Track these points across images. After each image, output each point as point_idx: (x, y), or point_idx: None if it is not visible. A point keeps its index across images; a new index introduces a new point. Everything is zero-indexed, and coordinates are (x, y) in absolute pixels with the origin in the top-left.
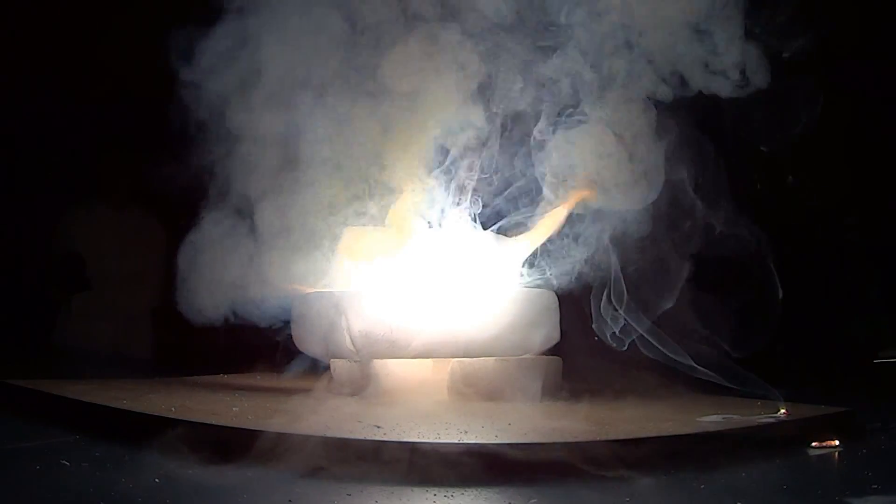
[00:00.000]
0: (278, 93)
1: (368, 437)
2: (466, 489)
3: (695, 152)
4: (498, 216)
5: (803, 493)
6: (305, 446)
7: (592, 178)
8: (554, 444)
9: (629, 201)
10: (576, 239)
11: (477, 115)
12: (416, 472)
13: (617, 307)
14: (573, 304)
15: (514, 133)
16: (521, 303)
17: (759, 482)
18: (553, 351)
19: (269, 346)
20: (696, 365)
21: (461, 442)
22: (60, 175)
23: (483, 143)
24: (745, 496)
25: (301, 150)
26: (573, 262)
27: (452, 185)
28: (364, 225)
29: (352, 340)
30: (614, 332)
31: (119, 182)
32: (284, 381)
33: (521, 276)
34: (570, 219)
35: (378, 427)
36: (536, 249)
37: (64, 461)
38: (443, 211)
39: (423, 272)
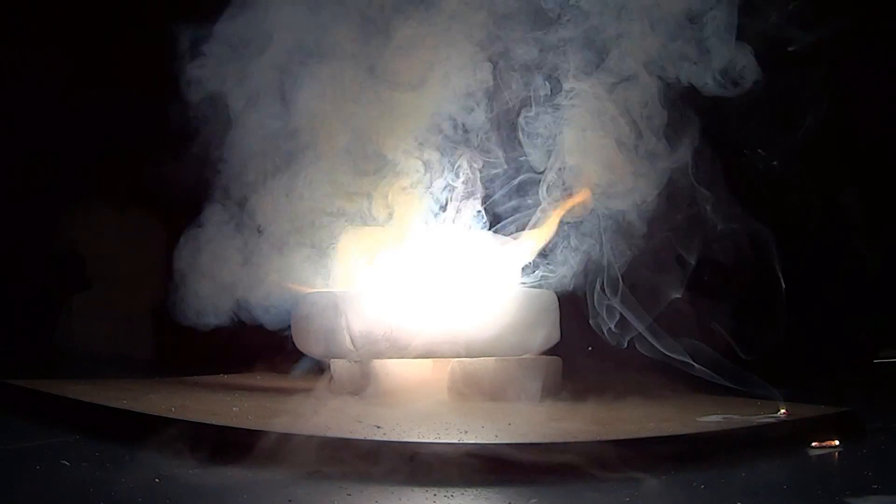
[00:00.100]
0: (278, 92)
1: (368, 437)
2: (466, 489)
3: (696, 152)
4: (498, 216)
5: (803, 493)
6: (306, 446)
7: (593, 177)
8: (554, 444)
9: (630, 197)
10: (576, 238)
11: (477, 115)
12: (416, 472)
13: (611, 299)
14: (573, 304)
15: (514, 133)
16: (521, 303)
17: (759, 482)
18: (553, 351)
19: (269, 347)
20: (694, 363)
21: (461, 442)
22: (61, 175)
23: (483, 143)
24: (745, 496)
25: (301, 149)
26: (573, 260)
27: (453, 186)
28: (364, 225)
29: (352, 340)
30: (610, 328)
31: (119, 182)
32: (284, 381)
33: (522, 276)
34: (571, 218)
35: (378, 427)
36: (537, 250)
37: (64, 461)
38: (443, 211)
39: (423, 272)
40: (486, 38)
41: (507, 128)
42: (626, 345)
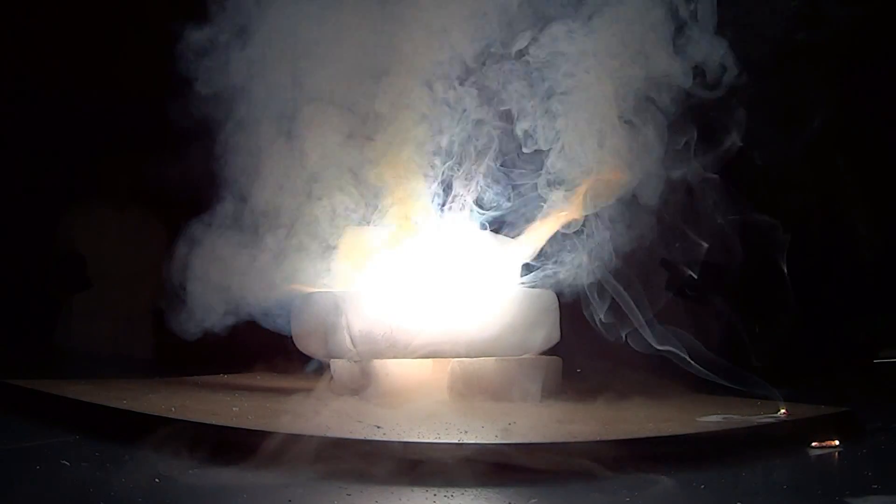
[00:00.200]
0: (277, 92)
1: (368, 437)
2: (466, 489)
3: (697, 152)
4: (499, 216)
5: (803, 493)
6: (306, 446)
7: (595, 177)
8: (554, 444)
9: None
10: (577, 237)
11: (478, 114)
12: (416, 472)
13: (611, 293)
14: (573, 304)
15: (515, 132)
16: (521, 303)
17: (759, 482)
18: (553, 351)
19: (269, 347)
20: (690, 360)
21: (461, 442)
22: (61, 175)
23: (484, 143)
24: (745, 496)
25: (300, 149)
26: (574, 260)
27: (453, 185)
28: (364, 225)
29: (352, 340)
30: (601, 319)
31: (120, 181)
32: (284, 381)
33: (522, 276)
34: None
35: (378, 427)
36: (537, 250)
37: (64, 461)
38: (443, 211)
39: (423, 272)
40: (486, 36)
41: (508, 127)
42: (623, 338)
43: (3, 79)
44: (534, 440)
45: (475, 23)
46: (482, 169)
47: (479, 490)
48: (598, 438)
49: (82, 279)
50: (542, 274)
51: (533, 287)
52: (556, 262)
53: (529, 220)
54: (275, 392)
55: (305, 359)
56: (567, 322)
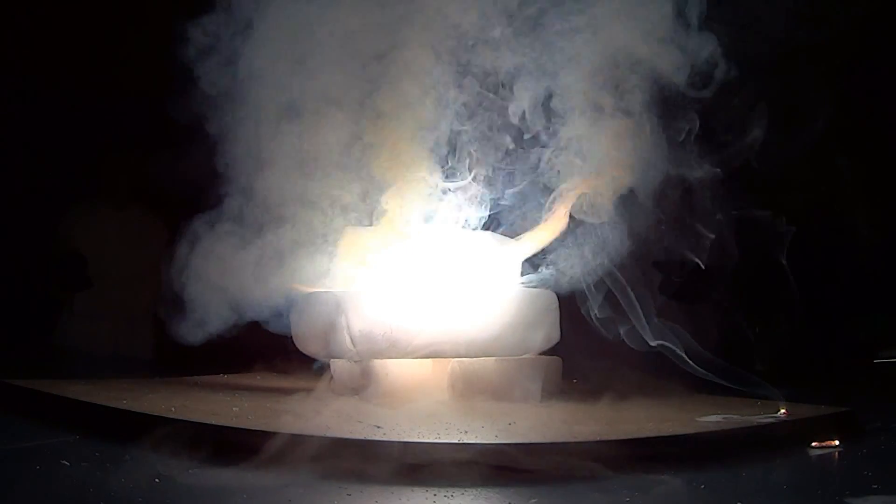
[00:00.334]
0: (277, 92)
1: (368, 437)
2: (466, 489)
3: (697, 153)
4: (499, 216)
5: (803, 493)
6: (306, 446)
7: (597, 175)
8: (554, 444)
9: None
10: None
11: (478, 113)
12: (415, 472)
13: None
14: (573, 304)
15: (516, 132)
16: (521, 303)
17: (759, 482)
18: (553, 351)
19: (269, 347)
20: (689, 360)
21: (461, 442)
22: (61, 174)
23: (484, 142)
24: (745, 496)
25: (300, 148)
26: (574, 259)
27: (453, 185)
28: (364, 224)
29: (352, 340)
30: (596, 314)
31: (120, 180)
32: (284, 381)
33: (522, 276)
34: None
35: (378, 427)
36: (538, 250)
37: (64, 461)
38: (443, 211)
39: (423, 272)
40: (487, 35)
41: (509, 126)
42: (620, 335)
43: (3, 79)
44: (534, 440)
45: (476, 21)
46: (483, 168)
47: (479, 490)
48: (599, 438)
49: (83, 279)
50: (544, 272)
51: (535, 286)
52: (557, 259)
53: (530, 219)
54: (275, 392)
55: (305, 359)
56: (567, 322)
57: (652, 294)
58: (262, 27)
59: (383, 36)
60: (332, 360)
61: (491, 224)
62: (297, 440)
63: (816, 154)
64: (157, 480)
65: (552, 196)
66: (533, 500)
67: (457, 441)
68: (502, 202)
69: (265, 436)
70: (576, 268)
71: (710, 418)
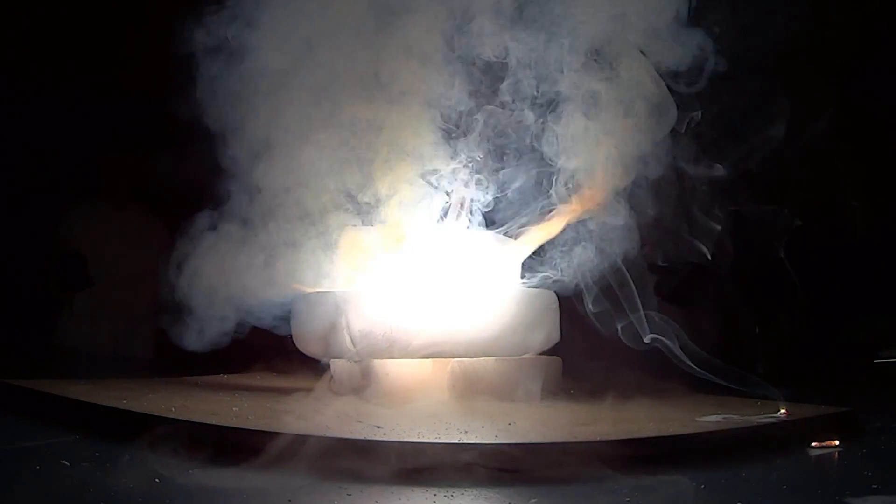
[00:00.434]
0: (277, 91)
1: (368, 437)
2: (466, 489)
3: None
4: (499, 216)
5: (803, 493)
6: (306, 446)
7: (596, 175)
8: (554, 444)
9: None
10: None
11: (479, 113)
12: (416, 472)
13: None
14: (573, 304)
15: (516, 132)
16: (522, 303)
17: (759, 482)
18: (553, 351)
19: (269, 347)
20: (688, 359)
21: (461, 442)
22: (61, 174)
23: (485, 141)
24: (745, 496)
25: (300, 148)
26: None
27: (453, 185)
28: (364, 225)
29: (352, 340)
30: (589, 307)
31: (121, 180)
32: (284, 381)
33: (522, 277)
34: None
35: (378, 427)
36: (538, 250)
37: (64, 461)
38: (443, 211)
39: (423, 272)
40: (489, 36)
41: (510, 126)
42: (617, 331)
43: (3, 79)
44: (534, 440)
45: (475, 20)
46: (483, 167)
47: (479, 490)
48: (599, 438)
49: (83, 278)
50: (547, 270)
51: (539, 287)
52: (557, 257)
53: (531, 219)
54: (275, 392)
55: (305, 359)
56: (567, 322)
57: (651, 291)
58: (261, 25)
59: (383, 34)
60: (332, 360)
61: (491, 223)
62: (297, 440)
63: (816, 154)
64: (157, 480)
65: (552, 196)
66: (533, 500)
67: (457, 441)
68: (503, 202)
69: (265, 436)
70: (576, 264)
71: (710, 418)
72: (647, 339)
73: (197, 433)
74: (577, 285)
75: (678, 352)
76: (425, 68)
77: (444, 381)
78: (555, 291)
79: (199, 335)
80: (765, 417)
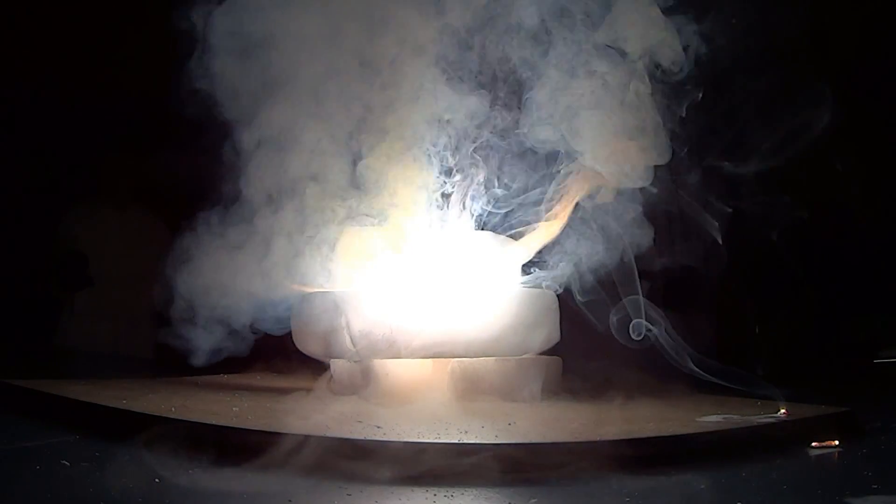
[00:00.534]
0: (277, 91)
1: (368, 437)
2: (466, 489)
3: (697, 153)
4: (499, 217)
5: (803, 493)
6: (305, 446)
7: (596, 175)
8: (554, 443)
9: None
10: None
11: (478, 113)
12: (416, 472)
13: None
14: (573, 304)
15: (516, 131)
16: (522, 303)
17: (759, 482)
18: (553, 351)
19: (269, 347)
20: (687, 359)
21: (461, 442)
22: (62, 173)
23: (485, 140)
24: (745, 496)
25: (300, 147)
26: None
27: (454, 185)
28: (364, 225)
29: (352, 340)
30: (579, 299)
31: (121, 180)
32: (284, 381)
33: (522, 277)
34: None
35: (378, 427)
36: (538, 250)
37: (64, 461)
38: (443, 211)
39: (423, 272)
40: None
41: (510, 125)
42: (610, 324)
43: (3, 78)
44: (534, 440)
45: (476, 18)
46: (483, 167)
47: (479, 490)
48: (599, 438)
49: (83, 278)
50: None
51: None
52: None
53: (531, 218)
54: (275, 392)
55: (305, 359)
56: (567, 322)
57: (651, 290)
58: (260, 27)
59: (383, 34)
60: (332, 360)
61: (491, 223)
62: (296, 440)
63: (817, 154)
64: (157, 481)
65: (553, 195)
66: (533, 500)
67: (457, 441)
68: (503, 202)
69: (265, 436)
70: (574, 258)
71: (710, 418)
72: (637, 336)
73: (197, 433)
74: (570, 276)
75: (678, 352)
76: (426, 67)
77: (444, 381)
78: (554, 291)
79: (203, 354)
80: (765, 417)
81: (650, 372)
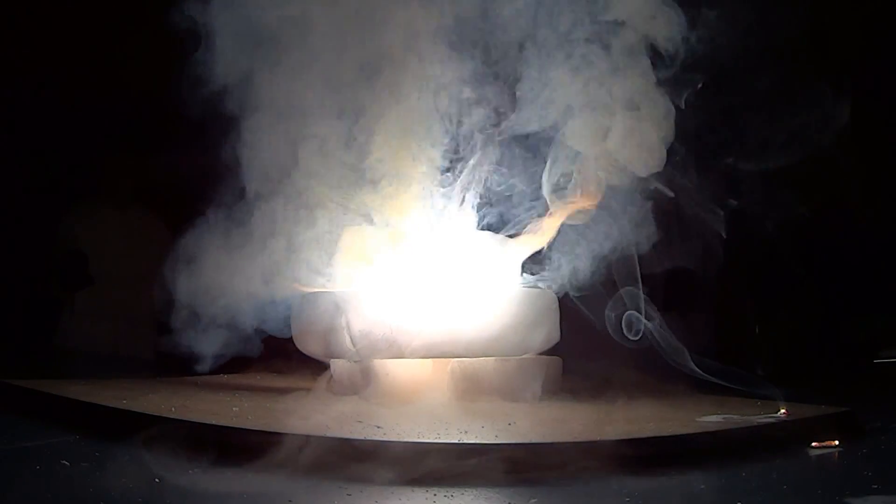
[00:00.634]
0: (276, 90)
1: (368, 437)
2: (466, 489)
3: (698, 153)
4: (499, 217)
5: (803, 493)
6: (305, 446)
7: (596, 175)
8: (554, 443)
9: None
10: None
11: (478, 114)
12: (416, 472)
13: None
14: (573, 304)
15: (516, 132)
16: (521, 303)
17: (759, 482)
18: (553, 351)
19: (268, 347)
20: (688, 360)
21: (461, 442)
22: (62, 173)
23: (485, 142)
24: (745, 496)
25: (300, 148)
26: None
27: (453, 185)
28: (363, 225)
29: (352, 340)
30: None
31: (121, 179)
32: (284, 381)
33: (522, 277)
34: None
35: (378, 427)
36: (538, 250)
37: (64, 461)
38: (444, 211)
39: (423, 272)
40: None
41: (510, 124)
42: (607, 321)
43: (3, 78)
44: (534, 440)
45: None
46: (483, 167)
47: (479, 490)
48: (599, 438)
49: (84, 277)
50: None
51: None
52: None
53: (531, 218)
54: (275, 392)
55: (305, 359)
56: (567, 322)
57: (651, 289)
58: (259, 25)
59: (382, 33)
60: (332, 360)
61: (490, 223)
62: (296, 440)
63: (818, 153)
64: (157, 480)
65: (552, 195)
66: (533, 500)
67: (457, 441)
68: (502, 201)
69: (265, 436)
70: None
71: (710, 418)
72: (634, 335)
73: (197, 433)
74: (570, 275)
75: (675, 349)
76: (427, 66)
77: (444, 381)
78: (553, 291)
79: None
80: (765, 417)
81: (650, 372)
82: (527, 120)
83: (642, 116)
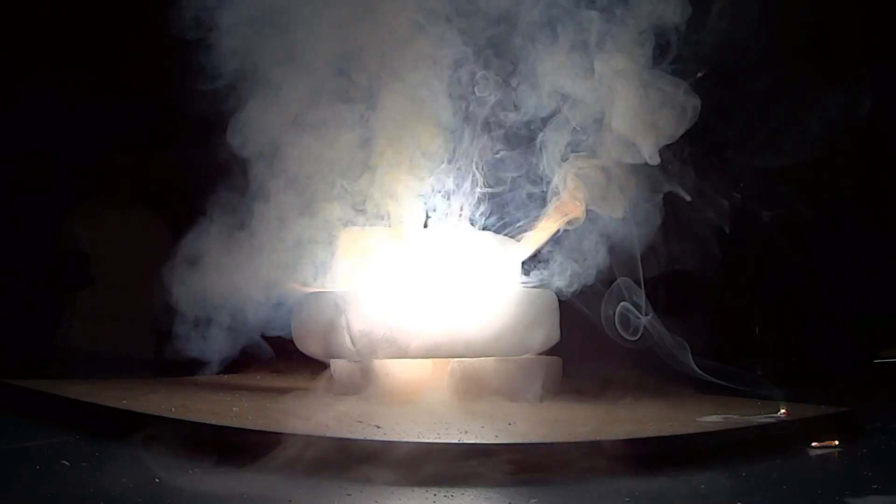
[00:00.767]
0: (276, 90)
1: (368, 437)
2: (466, 489)
3: (697, 154)
4: (499, 216)
5: (803, 493)
6: (305, 446)
7: (595, 176)
8: (554, 444)
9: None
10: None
11: (478, 114)
12: (416, 472)
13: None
14: (573, 304)
15: (516, 132)
16: (521, 303)
17: (759, 482)
18: (553, 351)
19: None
20: (688, 360)
21: (461, 442)
22: (64, 173)
23: (484, 140)
24: (745, 496)
25: (300, 147)
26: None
27: (453, 185)
28: (363, 224)
29: (352, 340)
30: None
31: (122, 180)
32: (284, 381)
33: (522, 277)
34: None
35: (378, 427)
36: (538, 250)
37: (64, 461)
38: (443, 211)
39: (423, 272)
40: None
41: (511, 127)
42: (604, 317)
43: (4, 78)
44: (534, 440)
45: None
46: (483, 167)
47: (479, 490)
48: (599, 438)
49: (85, 277)
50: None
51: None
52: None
53: (531, 219)
54: (275, 392)
55: (305, 359)
56: (567, 322)
57: (651, 289)
58: (262, 26)
59: (384, 34)
60: (332, 360)
61: (490, 223)
62: (296, 440)
63: (817, 154)
64: (157, 481)
65: (552, 195)
66: (533, 500)
67: (457, 441)
68: (502, 202)
69: (265, 436)
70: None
71: (710, 418)
72: (631, 333)
73: (197, 433)
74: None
75: (671, 345)
76: (427, 67)
77: (444, 381)
78: (553, 291)
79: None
80: (765, 417)
81: (650, 372)
82: (526, 114)
83: (645, 105)
